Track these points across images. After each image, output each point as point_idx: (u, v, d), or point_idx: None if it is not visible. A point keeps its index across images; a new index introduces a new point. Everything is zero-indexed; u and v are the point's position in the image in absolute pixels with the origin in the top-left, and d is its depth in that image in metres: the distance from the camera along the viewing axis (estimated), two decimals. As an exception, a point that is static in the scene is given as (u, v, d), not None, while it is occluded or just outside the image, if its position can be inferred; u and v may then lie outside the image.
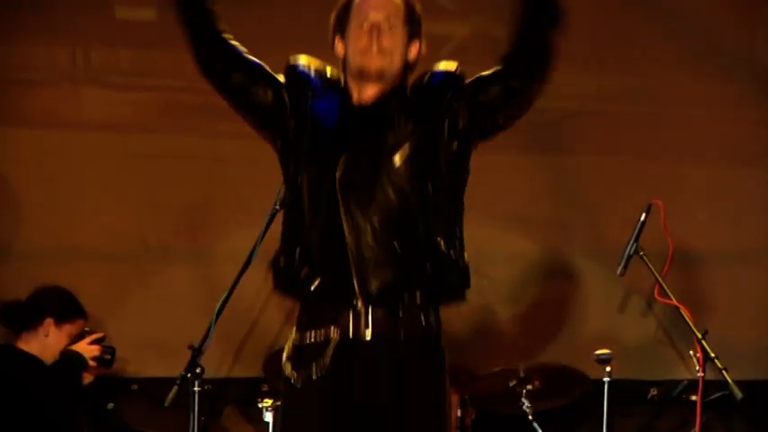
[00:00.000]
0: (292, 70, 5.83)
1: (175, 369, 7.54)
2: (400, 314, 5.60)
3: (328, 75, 5.83)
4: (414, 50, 5.65)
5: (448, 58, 6.55)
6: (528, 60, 5.72)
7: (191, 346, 7.44)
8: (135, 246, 9.07)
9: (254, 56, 6.14)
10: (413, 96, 5.77)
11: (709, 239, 8.90)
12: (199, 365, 7.44)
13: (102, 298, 8.68)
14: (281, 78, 5.82)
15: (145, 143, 9.00)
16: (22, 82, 9.15)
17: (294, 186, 5.62)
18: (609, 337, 8.53)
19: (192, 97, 8.81)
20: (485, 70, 6.13)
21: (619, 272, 7.93)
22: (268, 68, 5.82)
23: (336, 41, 5.68)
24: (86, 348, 8.22)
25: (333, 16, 5.73)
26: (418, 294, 5.57)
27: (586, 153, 9.22)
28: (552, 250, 9.10)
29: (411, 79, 5.77)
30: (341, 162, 5.61)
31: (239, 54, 5.80)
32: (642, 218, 7.88)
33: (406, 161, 5.61)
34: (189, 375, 7.45)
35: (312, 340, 5.64)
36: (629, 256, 7.91)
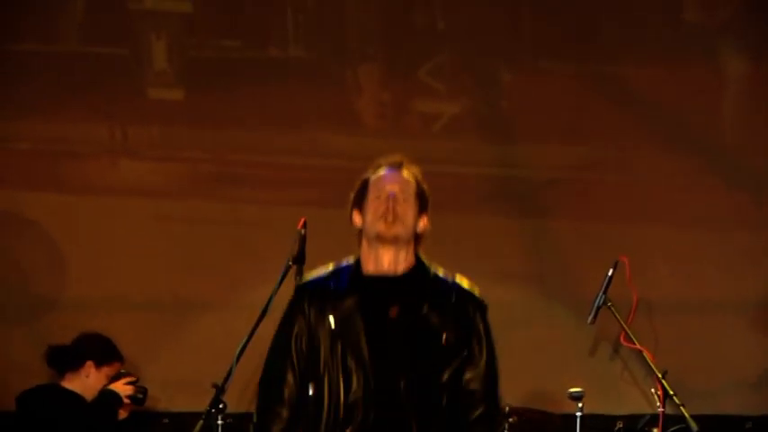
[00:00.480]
0: (303, 290, 6.26)
1: (201, 405, 7.64)
2: None
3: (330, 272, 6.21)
4: (422, 223, 5.93)
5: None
6: None
7: (214, 385, 7.60)
8: (166, 297, 9.42)
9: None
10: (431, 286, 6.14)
11: (669, 292, 9.23)
12: (222, 401, 7.58)
13: (136, 343, 9.06)
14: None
15: (174, 208, 9.45)
16: (68, 154, 9.64)
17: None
18: (581, 377, 8.54)
19: (215, 167, 9.54)
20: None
21: (589, 320, 8.29)
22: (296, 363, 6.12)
23: (354, 214, 5.97)
24: (122, 388, 8.59)
25: (352, 194, 6.01)
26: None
27: (563, 217, 9.60)
28: (531, 302, 9.35)
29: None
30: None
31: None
32: (609, 273, 8.17)
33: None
34: (213, 410, 7.66)
35: None
36: (599, 307, 8.23)
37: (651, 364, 8.13)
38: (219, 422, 7.72)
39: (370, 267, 5.99)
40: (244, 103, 9.47)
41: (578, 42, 9.73)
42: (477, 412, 6.00)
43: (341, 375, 6.06)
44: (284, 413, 6.09)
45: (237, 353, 7.34)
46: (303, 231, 7.29)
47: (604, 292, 8.22)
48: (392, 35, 9.79)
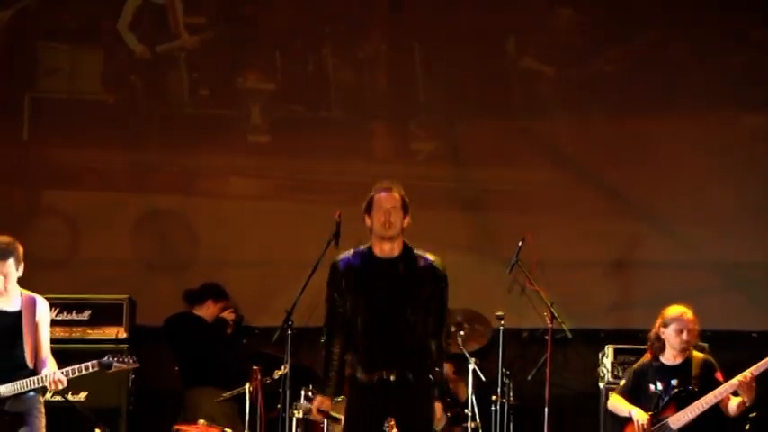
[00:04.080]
0: (336, 268, 6.71)
1: (277, 322, 8.41)
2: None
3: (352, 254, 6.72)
4: (406, 222, 6.67)
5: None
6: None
7: (286, 310, 8.34)
8: (261, 260, 10.13)
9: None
10: (413, 263, 6.64)
11: (555, 255, 9.61)
12: (291, 320, 8.34)
13: (243, 290, 9.87)
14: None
15: (268, 205, 10.10)
16: (210, 175, 10.33)
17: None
18: (503, 306, 9.19)
19: (290, 182, 10.28)
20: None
21: (508, 272, 9.17)
22: (338, 301, 6.63)
23: (366, 218, 6.66)
24: (227, 315, 9.55)
25: (363, 205, 6.65)
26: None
27: (495, 211, 10.16)
28: (474, 261, 9.90)
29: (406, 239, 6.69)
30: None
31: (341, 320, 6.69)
32: (519, 244, 9.03)
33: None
34: (285, 326, 8.33)
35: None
36: (513, 264, 9.08)
37: (544, 298, 8.90)
38: (289, 332, 8.35)
39: (377, 252, 6.64)
40: (305, 143, 10.18)
41: (498, 104, 10.27)
42: (433, 328, 6.66)
43: (362, 317, 6.61)
44: (339, 336, 6.67)
45: (300, 291, 8.13)
46: (338, 219, 7.91)
47: (516, 255, 9.01)
48: (394, 103, 10.30)
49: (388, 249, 6.59)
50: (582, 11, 10.10)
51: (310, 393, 8.31)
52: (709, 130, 10.04)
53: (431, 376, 6.60)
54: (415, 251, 6.65)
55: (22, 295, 7.23)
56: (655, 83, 10.06)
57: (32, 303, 7.24)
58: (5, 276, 7.07)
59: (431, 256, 6.66)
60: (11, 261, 7.08)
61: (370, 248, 6.62)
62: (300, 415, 8.35)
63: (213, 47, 10.27)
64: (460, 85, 10.19)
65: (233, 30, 10.34)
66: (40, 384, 7.08)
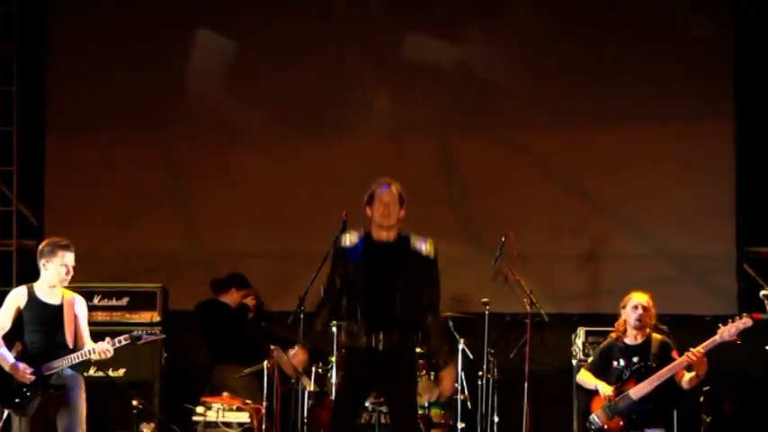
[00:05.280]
0: (339, 249, 6.94)
1: (292, 306, 8.64)
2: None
3: (356, 237, 6.89)
4: (402, 213, 6.92)
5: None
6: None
7: (299, 296, 8.53)
8: (279, 252, 10.27)
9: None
10: (406, 248, 6.84)
11: (533, 248, 9.69)
12: (303, 305, 8.56)
13: (263, 279, 9.96)
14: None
15: (285, 205, 10.24)
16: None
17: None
18: (487, 293, 9.37)
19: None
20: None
21: (492, 263, 9.29)
22: (338, 278, 6.82)
23: (368, 209, 6.92)
24: (250, 301, 9.72)
25: (365, 197, 6.88)
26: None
27: (480, 210, 10.28)
28: (463, 251, 9.93)
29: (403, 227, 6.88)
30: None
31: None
32: (503, 239, 9.18)
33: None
34: (298, 310, 8.56)
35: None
36: (497, 257, 9.25)
37: (524, 286, 9.00)
38: (301, 316, 8.57)
39: (376, 237, 6.87)
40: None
41: (486, 116, 10.42)
42: (429, 304, 6.82)
43: (359, 294, 6.78)
44: (328, 308, 6.88)
45: (311, 280, 8.23)
46: (345, 217, 7.90)
47: (500, 249, 9.15)
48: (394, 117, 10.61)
49: (385, 235, 6.84)
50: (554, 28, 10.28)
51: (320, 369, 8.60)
52: (668, 139, 10.19)
53: (417, 343, 6.81)
54: (408, 236, 6.85)
55: (63, 293, 7.60)
56: (622, 98, 10.17)
57: (72, 300, 7.63)
58: (70, 269, 7.45)
59: (423, 241, 6.85)
60: (73, 256, 7.59)
61: (368, 234, 6.89)
62: (310, 388, 8.50)
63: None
64: (455, 99, 10.31)
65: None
66: (90, 356, 7.41)
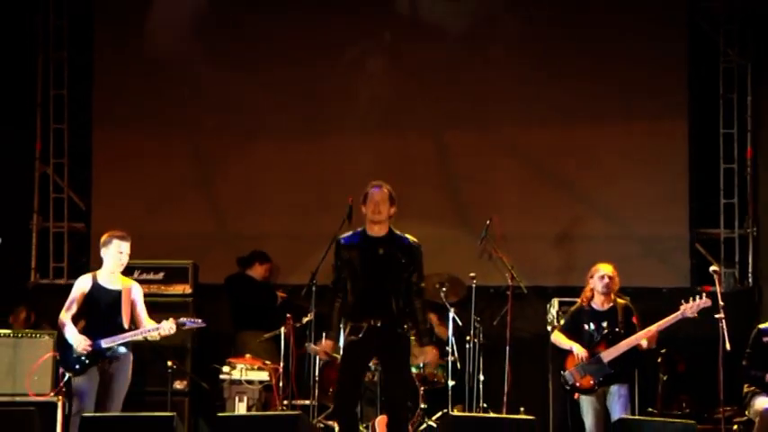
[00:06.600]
0: (339, 243, 7.17)
1: (305, 280, 8.78)
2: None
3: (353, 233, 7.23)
4: (392, 211, 7.14)
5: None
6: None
7: (312, 271, 8.65)
8: (294, 233, 10.41)
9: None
10: (395, 240, 7.10)
11: (516, 230, 9.92)
12: (315, 279, 8.66)
13: (281, 255, 10.20)
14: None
15: (304, 196, 10.28)
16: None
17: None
18: (474, 268, 9.38)
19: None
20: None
21: (479, 243, 9.53)
22: (341, 270, 7.01)
23: (362, 207, 7.18)
24: (281, 294, 9.74)
25: (361, 197, 7.12)
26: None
27: (469, 200, 10.30)
28: (452, 234, 10.13)
29: (393, 225, 7.11)
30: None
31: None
32: (488, 222, 9.47)
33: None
34: (310, 283, 8.67)
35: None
36: (483, 238, 9.50)
37: (506, 263, 9.35)
38: (313, 289, 8.72)
39: (369, 232, 7.11)
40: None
41: (474, 114, 10.47)
42: (416, 289, 7.09)
43: (358, 280, 7.03)
44: (341, 294, 7.08)
45: (322, 257, 8.33)
46: (350, 203, 8.09)
47: (485, 230, 9.43)
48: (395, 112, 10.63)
49: (377, 230, 7.10)
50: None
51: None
52: (631, 136, 10.43)
53: (410, 324, 6.98)
54: (397, 233, 7.10)
55: (122, 281, 7.92)
56: (594, 100, 10.31)
57: (129, 287, 7.95)
58: (125, 255, 7.85)
59: (409, 237, 7.15)
60: (128, 245, 8.03)
61: (364, 230, 7.17)
62: (311, 353, 8.68)
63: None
64: (447, 98, 10.49)
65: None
66: (153, 333, 7.66)
